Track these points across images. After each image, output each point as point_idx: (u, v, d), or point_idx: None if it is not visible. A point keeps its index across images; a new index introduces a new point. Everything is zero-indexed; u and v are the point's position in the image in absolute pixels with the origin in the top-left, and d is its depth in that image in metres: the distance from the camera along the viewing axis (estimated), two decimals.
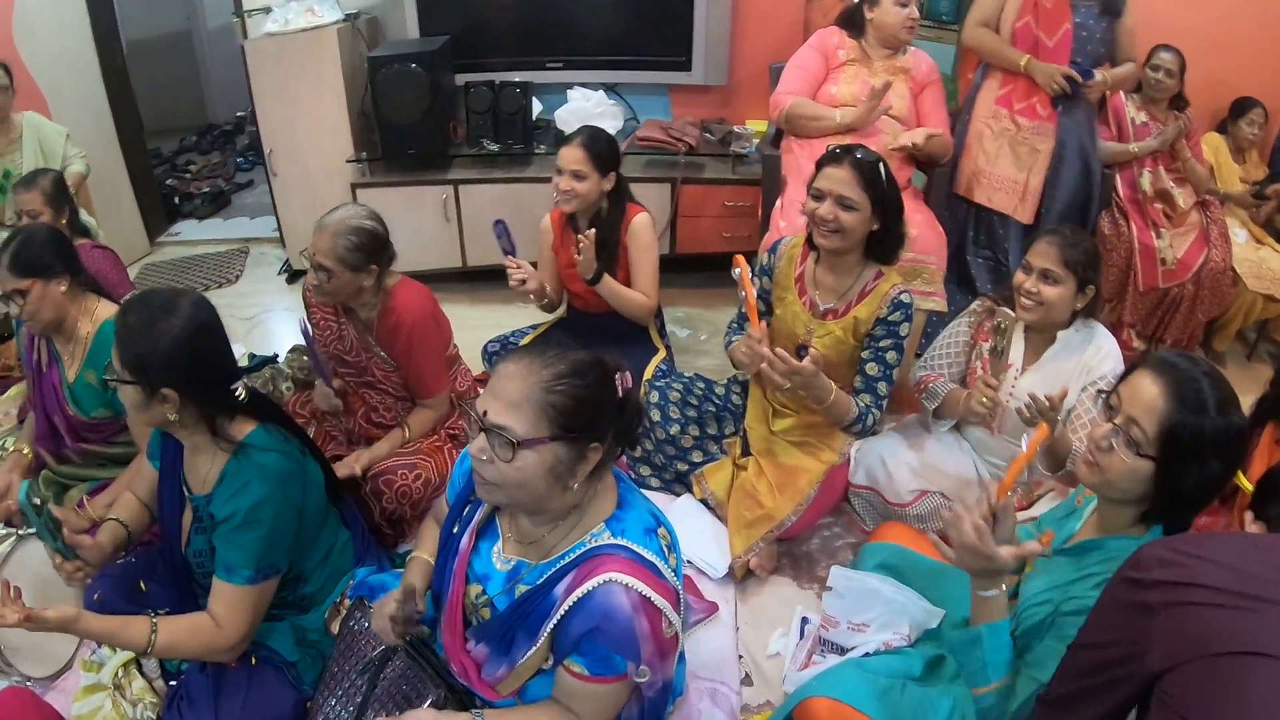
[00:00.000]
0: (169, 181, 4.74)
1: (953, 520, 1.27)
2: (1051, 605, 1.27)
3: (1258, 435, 1.90)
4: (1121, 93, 2.98)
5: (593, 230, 2.22)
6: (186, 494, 1.52)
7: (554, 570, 1.21)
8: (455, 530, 1.34)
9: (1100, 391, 1.29)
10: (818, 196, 1.90)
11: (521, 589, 1.24)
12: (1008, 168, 2.74)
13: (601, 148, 2.28)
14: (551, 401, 1.12)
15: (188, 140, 5.50)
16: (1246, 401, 1.46)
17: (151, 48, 5.52)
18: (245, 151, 5.28)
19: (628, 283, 2.38)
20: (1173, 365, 1.20)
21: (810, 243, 2.01)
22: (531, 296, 2.36)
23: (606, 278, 2.31)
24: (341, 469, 1.91)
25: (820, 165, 1.92)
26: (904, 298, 1.94)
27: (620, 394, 1.20)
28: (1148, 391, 1.18)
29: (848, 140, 2.51)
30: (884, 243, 1.95)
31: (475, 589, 1.31)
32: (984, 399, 1.84)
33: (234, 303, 3.49)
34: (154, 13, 5.40)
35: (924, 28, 2.89)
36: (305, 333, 2.00)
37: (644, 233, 2.36)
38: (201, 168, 5.04)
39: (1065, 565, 1.31)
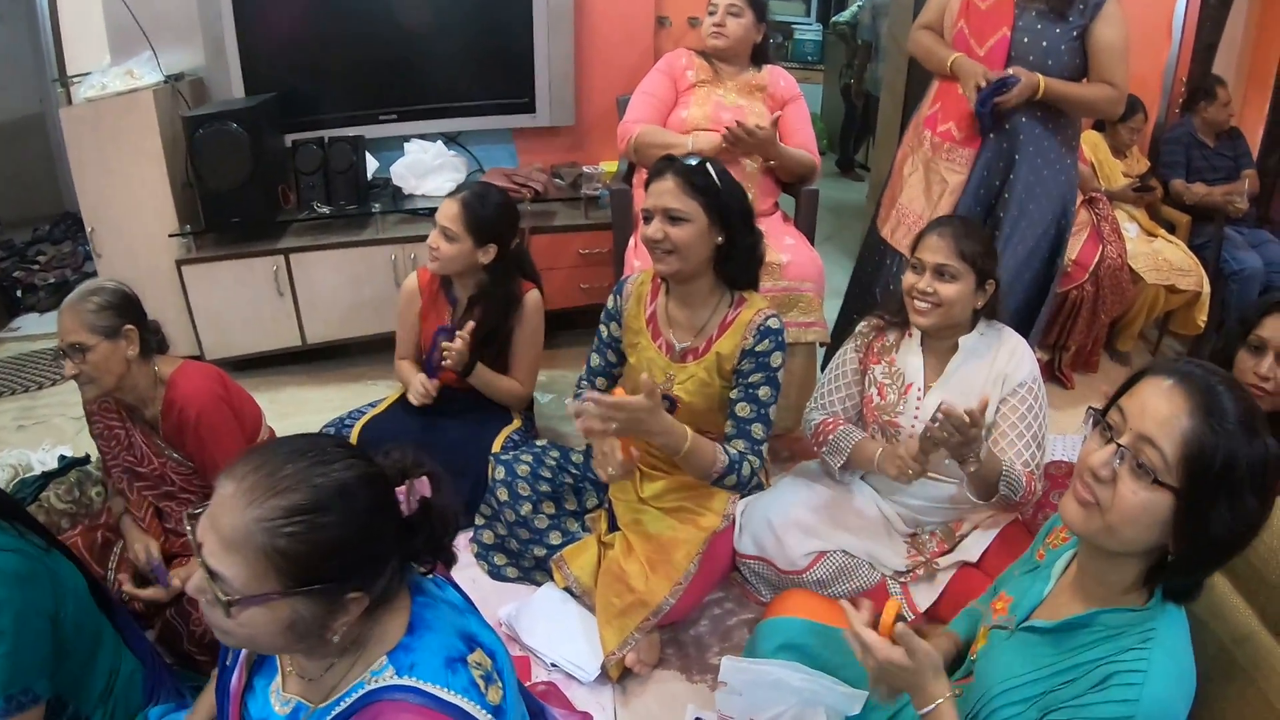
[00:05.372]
0: (15, 274, 4.44)
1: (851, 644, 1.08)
2: (1034, 708, 0.99)
3: None
4: None
5: (471, 324, 1.98)
6: None
7: (330, 718, 0.93)
8: (228, 663, 1.08)
9: (1091, 409, 1.02)
10: (647, 218, 1.67)
11: None
12: (916, 199, 2.31)
13: (485, 212, 2.04)
14: (278, 547, 0.82)
15: (41, 230, 5.16)
16: None
17: (3, 134, 5.16)
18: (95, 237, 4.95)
19: (505, 365, 2.16)
20: (1188, 372, 0.94)
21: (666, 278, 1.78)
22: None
23: (480, 369, 2.07)
24: (147, 593, 1.67)
25: (647, 185, 1.70)
26: (772, 323, 1.70)
27: (409, 509, 0.93)
28: (1165, 403, 0.91)
29: None
30: (735, 260, 1.70)
31: None
32: (908, 471, 1.57)
33: (66, 400, 3.18)
34: (3, 96, 5.05)
35: (790, 69, 2.74)
36: None
37: (534, 316, 2.14)
38: (51, 258, 4.72)
39: (1040, 646, 1.03)
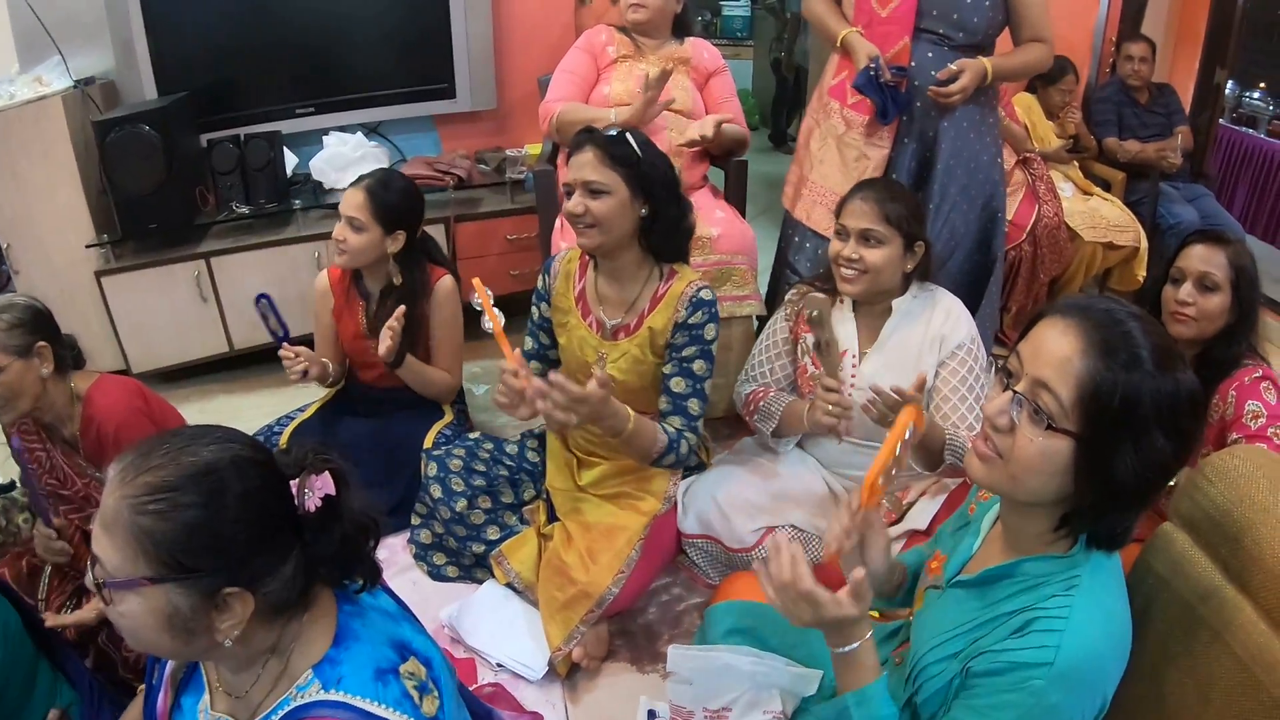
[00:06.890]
0: None
1: (771, 551, 0.97)
2: (958, 661, 0.95)
3: None
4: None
5: (402, 308, 1.89)
6: None
7: None
8: (154, 681, 1.03)
9: (993, 357, 0.97)
10: (568, 192, 1.62)
11: None
12: (832, 176, 2.14)
13: (391, 198, 1.96)
14: (142, 526, 0.78)
15: None
16: None
17: None
18: None
19: (427, 357, 2.08)
20: (1087, 308, 0.87)
21: (590, 253, 1.73)
22: (315, 382, 2.06)
23: (410, 360, 1.99)
24: (72, 618, 1.57)
25: (568, 160, 1.65)
26: (704, 294, 1.65)
27: (302, 505, 0.87)
28: (1058, 344, 0.86)
29: None
30: (661, 231, 1.66)
31: None
32: (828, 406, 1.52)
33: None
34: None
35: (720, 46, 2.70)
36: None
37: (448, 302, 2.06)
38: None
39: (967, 600, 0.99)
